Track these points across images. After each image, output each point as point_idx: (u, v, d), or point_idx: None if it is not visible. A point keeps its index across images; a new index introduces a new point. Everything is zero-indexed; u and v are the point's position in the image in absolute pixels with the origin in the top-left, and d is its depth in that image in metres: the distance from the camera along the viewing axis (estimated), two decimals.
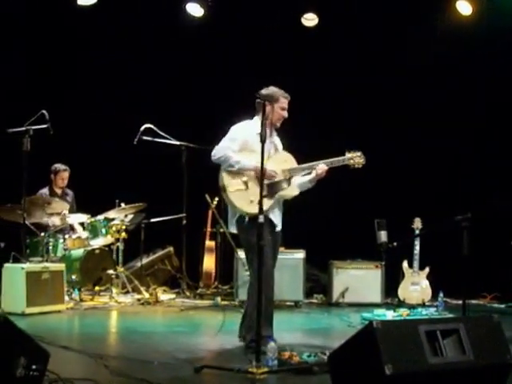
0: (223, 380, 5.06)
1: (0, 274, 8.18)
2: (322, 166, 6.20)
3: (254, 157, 5.82)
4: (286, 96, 6.23)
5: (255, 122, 6.13)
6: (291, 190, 6.20)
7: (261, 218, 5.22)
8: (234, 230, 6.26)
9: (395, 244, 9.25)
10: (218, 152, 6.01)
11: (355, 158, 6.31)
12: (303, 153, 6.24)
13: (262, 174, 5.39)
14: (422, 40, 10.00)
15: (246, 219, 5.99)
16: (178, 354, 5.82)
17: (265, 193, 5.79)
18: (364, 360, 4.09)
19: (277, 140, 6.38)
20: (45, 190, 9.84)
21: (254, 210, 5.45)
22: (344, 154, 6.31)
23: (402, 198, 10.22)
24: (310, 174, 6.29)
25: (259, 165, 5.43)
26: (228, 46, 10.63)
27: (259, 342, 5.12)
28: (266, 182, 5.84)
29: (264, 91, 6.14)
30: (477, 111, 10.33)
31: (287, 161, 6.22)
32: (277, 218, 6.26)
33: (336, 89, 10.59)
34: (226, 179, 5.99)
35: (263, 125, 5.38)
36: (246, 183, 5.97)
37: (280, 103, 6.18)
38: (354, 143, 9.38)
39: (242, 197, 5.94)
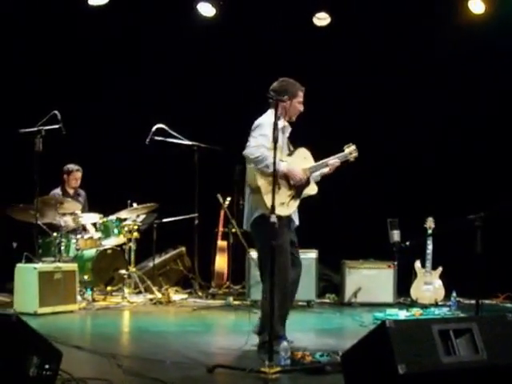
0: (236, 379, 5.05)
1: (13, 274, 8.21)
2: (335, 162, 6.22)
3: (281, 156, 5.75)
4: (302, 89, 6.18)
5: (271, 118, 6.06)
6: (312, 189, 6.19)
7: (273, 218, 5.18)
8: (247, 227, 6.13)
9: (408, 243, 9.23)
10: (255, 151, 5.77)
11: (353, 152, 6.33)
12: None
13: (274, 176, 5.32)
14: (434, 39, 9.98)
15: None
16: (191, 354, 5.82)
17: (293, 194, 5.93)
18: (377, 359, 4.08)
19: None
20: (57, 190, 9.85)
21: (284, 212, 5.54)
22: (343, 150, 6.33)
23: (415, 197, 10.20)
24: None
25: (290, 167, 5.78)
26: (238, 46, 10.62)
27: (271, 341, 5.11)
28: (293, 183, 5.92)
29: (278, 85, 6.10)
30: (490, 110, 10.28)
31: (306, 158, 6.19)
32: (296, 215, 6.23)
33: (348, 88, 10.57)
34: (260, 180, 5.79)
35: (275, 127, 5.29)
36: (278, 185, 5.72)
37: (298, 97, 6.14)
38: (366, 142, 9.41)
39: (278, 201, 5.60)
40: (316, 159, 6.24)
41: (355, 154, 6.34)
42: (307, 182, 6.09)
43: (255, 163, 5.79)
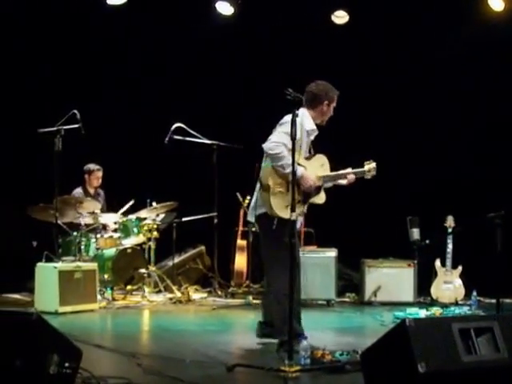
0: (255, 378, 5.05)
1: (32, 273, 8.26)
2: (353, 177, 6.20)
3: (298, 158, 5.69)
4: (337, 93, 6.19)
5: (307, 118, 6.02)
6: (320, 198, 6.12)
7: (293, 216, 5.18)
8: (252, 219, 6.12)
9: (428, 242, 9.20)
10: (274, 147, 5.72)
11: (372, 171, 6.27)
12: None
13: (293, 176, 5.29)
14: (453, 38, 9.94)
15: (275, 222, 5.79)
16: (210, 353, 5.82)
17: (300, 199, 5.86)
18: (397, 358, 4.05)
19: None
20: (79, 190, 9.90)
21: (287, 215, 5.36)
22: (363, 165, 6.28)
23: (435, 196, 10.15)
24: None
25: (305, 173, 5.77)
26: (258, 44, 10.61)
27: (291, 340, 5.10)
28: (303, 188, 5.86)
29: (317, 88, 6.09)
30: (510, 108, 10.22)
31: (324, 165, 6.15)
32: (299, 221, 6.20)
33: (372, 86, 10.53)
34: (271, 179, 5.78)
35: (293, 125, 5.24)
36: (287, 187, 5.72)
37: (334, 102, 6.16)
38: (387, 138, 9.37)
39: (280, 200, 5.73)
40: (333, 164, 6.21)
41: (373, 173, 6.28)
42: (318, 190, 6.05)
43: (272, 159, 5.76)
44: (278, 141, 5.75)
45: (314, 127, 6.08)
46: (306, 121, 5.98)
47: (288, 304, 5.15)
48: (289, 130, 5.37)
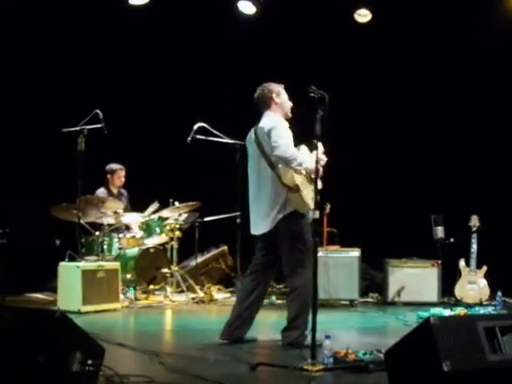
0: (278, 377, 5.03)
1: (54, 273, 8.29)
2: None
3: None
4: (281, 85, 6.32)
5: (273, 117, 6.20)
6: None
7: (316, 214, 5.25)
8: (269, 227, 6.18)
9: (452, 240, 9.13)
10: (286, 149, 5.93)
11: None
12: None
13: (316, 171, 5.36)
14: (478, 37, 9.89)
15: (310, 215, 5.97)
16: (233, 352, 5.81)
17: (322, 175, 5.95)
18: (421, 357, 4.02)
19: None
20: (102, 189, 9.94)
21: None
22: None
23: (459, 195, 10.07)
24: None
25: (314, 154, 5.61)
26: (278, 44, 10.59)
27: (314, 339, 5.09)
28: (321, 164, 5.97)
29: (258, 92, 6.34)
30: None
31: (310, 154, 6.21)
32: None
33: (393, 81, 10.49)
34: (298, 179, 5.95)
35: (319, 123, 5.33)
36: (310, 181, 5.97)
37: (284, 94, 6.31)
38: (411, 136, 9.31)
39: (309, 194, 5.94)
40: None
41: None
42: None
43: (288, 162, 5.95)
44: (286, 143, 5.96)
45: (285, 123, 6.20)
46: (275, 119, 6.16)
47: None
48: (281, 132, 5.92)
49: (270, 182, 6.08)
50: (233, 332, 6.22)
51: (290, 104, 6.32)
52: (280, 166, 6.02)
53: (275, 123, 6.08)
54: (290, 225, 6.05)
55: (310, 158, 6.02)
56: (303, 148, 6.23)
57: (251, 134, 6.33)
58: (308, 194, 5.94)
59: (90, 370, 4.06)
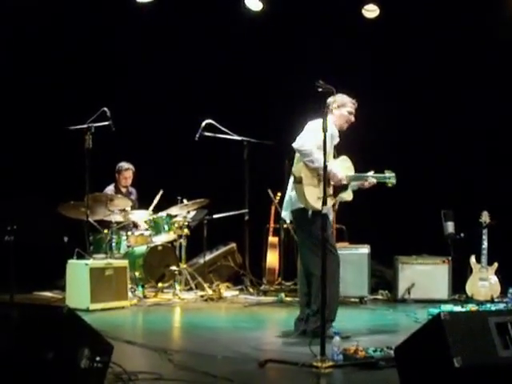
0: (288, 374, 5.01)
1: (63, 272, 8.28)
2: (372, 181, 6.53)
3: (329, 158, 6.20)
4: (353, 102, 6.59)
5: (328, 122, 6.09)
6: (348, 195, 6.58)
7: (324, 209, 5.34)
8: (287, 218, 6.69)
9: (462, 235, 9.08)
10: (304, 143, 6.16)
11: (392, 179, 6.47)
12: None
13: (324, 172, 5.44)
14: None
15: (310, 212, 6.22)
16: (242, 349, 5.80)
17: (331, 193, 6.26)
18: (432, 353, 3.99)
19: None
20: (111, 187, 9.94)
21: (320, 207, 5.53)
22: (383, 172, 6.52)
23: (469, 191, 10.01)
24: None
25: (334, 168, 6.23)
26: (285, 40, 10.55)
27: (323, 334, 5.06)
28: (333, 182, 6.29)
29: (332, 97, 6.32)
30: None
31: (349, 167, 6.56)
32: (330, 215, 6.72)
33: (404, 81, 10.44)
34: (303, 172, 6.15)
35: (325, 117, 5.48)
36: (318, 181, 6.09)
37: (347, 107, 6.53)
38: (420, 133, 9.28)
39: (313, 192, 6.11)
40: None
41: (393, 181, 6.46)
42: (345, 188, 6.46)
43: (302, 155, 6.18)
44: (306, 138, 6.21)
45: (336, 132, 6.50)
46: (329, 126, 6.12)
47: (328, 292, 5.30)
48: (315, 133, 5.99)
49: None
50: None
51: (349, 119, 6.57)
52: (297, 157, 6.35)
53: (316, 124, 6.15)
54: (300, 217, 6.42)
55: (334, 165, 6.32)
56: (344, 159, 6.58)
57: None
58: (310, 192, 6.12)
59: (99, 367, 4.05)
